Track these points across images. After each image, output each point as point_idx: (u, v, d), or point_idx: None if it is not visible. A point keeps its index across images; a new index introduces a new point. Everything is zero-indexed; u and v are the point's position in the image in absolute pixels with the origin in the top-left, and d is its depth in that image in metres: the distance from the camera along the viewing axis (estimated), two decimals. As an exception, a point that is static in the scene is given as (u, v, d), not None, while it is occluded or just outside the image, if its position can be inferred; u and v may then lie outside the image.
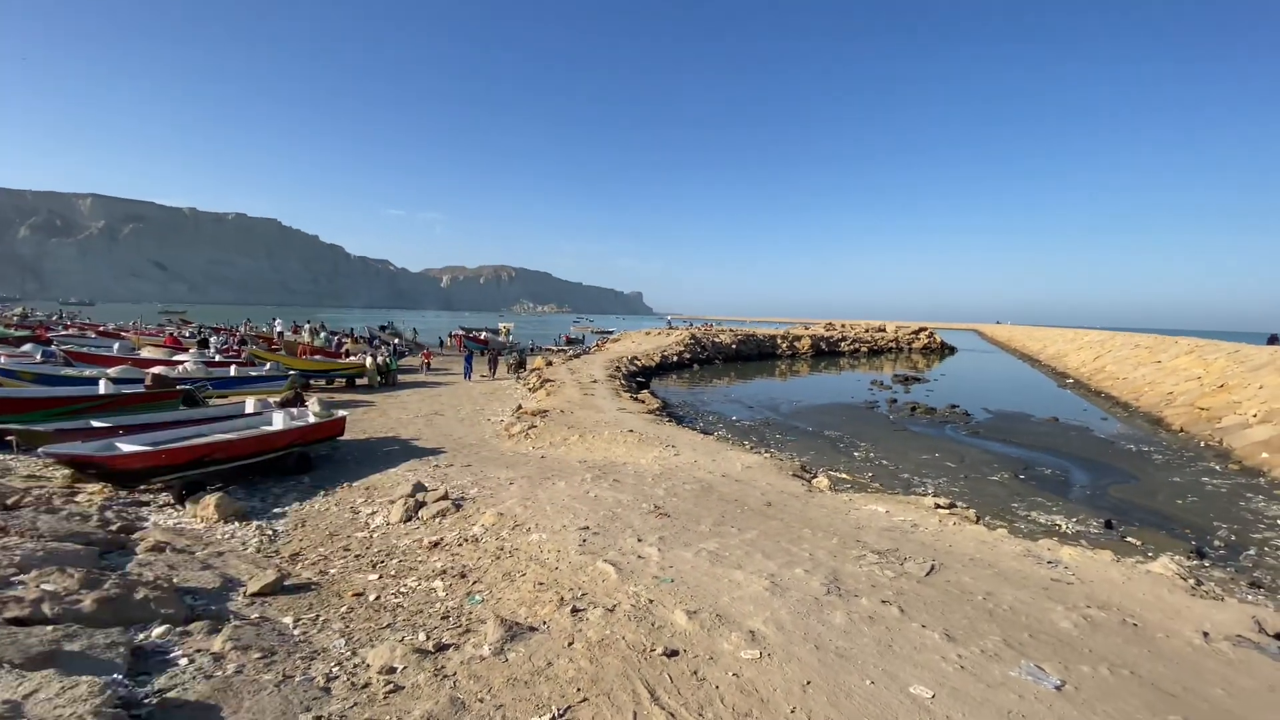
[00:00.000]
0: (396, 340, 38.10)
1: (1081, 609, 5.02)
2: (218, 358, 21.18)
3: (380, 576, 6.03)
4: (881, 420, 20.63)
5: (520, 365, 28.79)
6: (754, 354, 46.47)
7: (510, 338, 50.40)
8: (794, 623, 4.31)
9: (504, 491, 8.70)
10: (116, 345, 22.72)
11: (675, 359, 37.55)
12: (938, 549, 6.49)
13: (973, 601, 5.05)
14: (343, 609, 5.28)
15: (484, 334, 44.41)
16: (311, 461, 10.66)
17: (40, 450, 8.15)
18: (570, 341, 52.67)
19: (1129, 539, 9.95)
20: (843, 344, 55.04)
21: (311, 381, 21.40)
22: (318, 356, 23.65)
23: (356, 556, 6.71)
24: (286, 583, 5.87)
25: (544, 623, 4.21)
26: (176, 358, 19.63)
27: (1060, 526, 10.39)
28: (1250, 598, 7.39)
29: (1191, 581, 6.19)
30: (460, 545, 6.68)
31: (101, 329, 35.54)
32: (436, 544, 6.87)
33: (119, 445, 8.95)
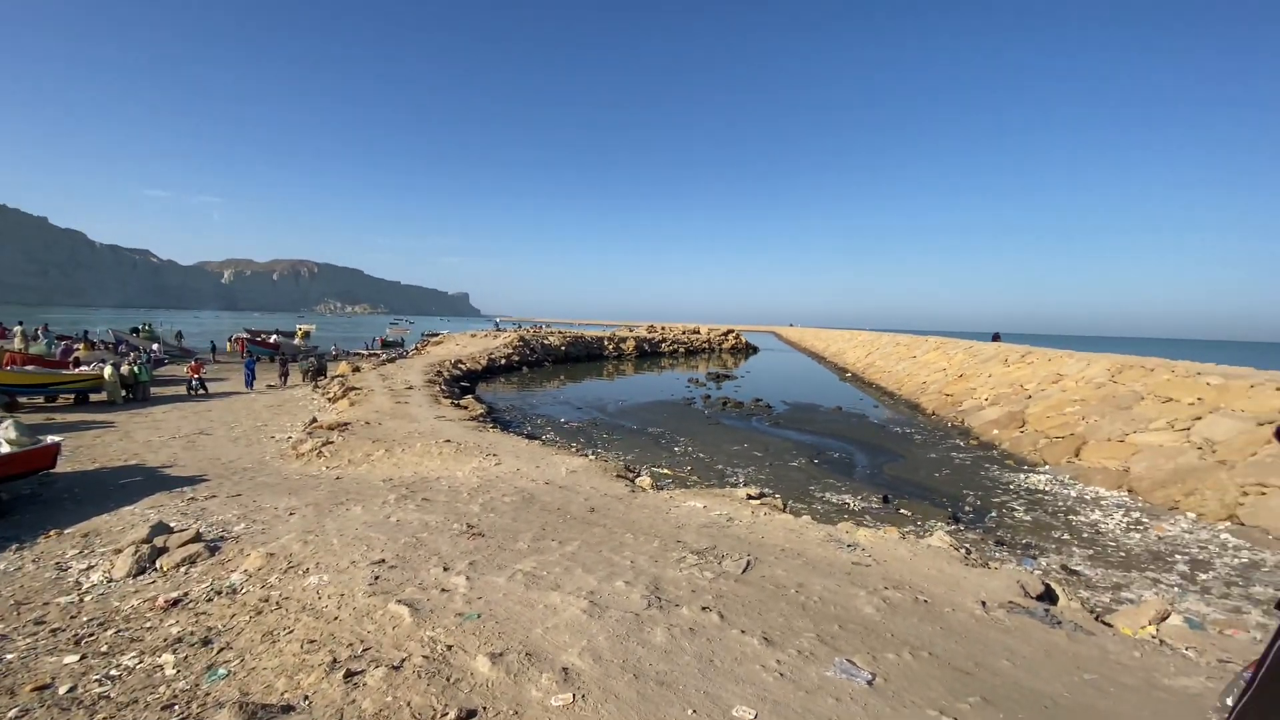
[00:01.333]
0: (155, 346, 31.54)
1: (881, 591, 5.36)
2: None
3: (84, 657, 4.54)
4: (698, 415, 21.71)
5: (318, 372, 25.52)
6: (583, 355, 46.70)
7: (308, 341, 44.77)
8: (612, 649, 3.95)
9: (281, 525, 7.30)
10: None
11: (503, 361, 36.19)
12: (752, 542, 6.66)
13: (787, 596, 5.15)
14: (11, 714, 3.82)
15: (274, 337, 38.72)
16: (2, 504, 8.14)
17: None
18: (386, 345, 48.38)
19: (902, 511, 11.35)
20: (663, 345, 57.75)
21: (22, 399, 16.76)
22: (31, 367, 18.45)
23: (54, 631, 5.04)
24: (-74, 686, 4.16)
25: (305, 697, 3.34)
26: None
27: (849, 504, 11.54)
28: (998, 554, 8.78)
29: (963, 551, 7.08)
30: (209, 601, 5.34)
31: None
32: (175, 602, 5.43)
33: None
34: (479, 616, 4.30)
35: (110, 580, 6.08)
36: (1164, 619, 5.06)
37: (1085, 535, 10.02)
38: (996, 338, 38.50)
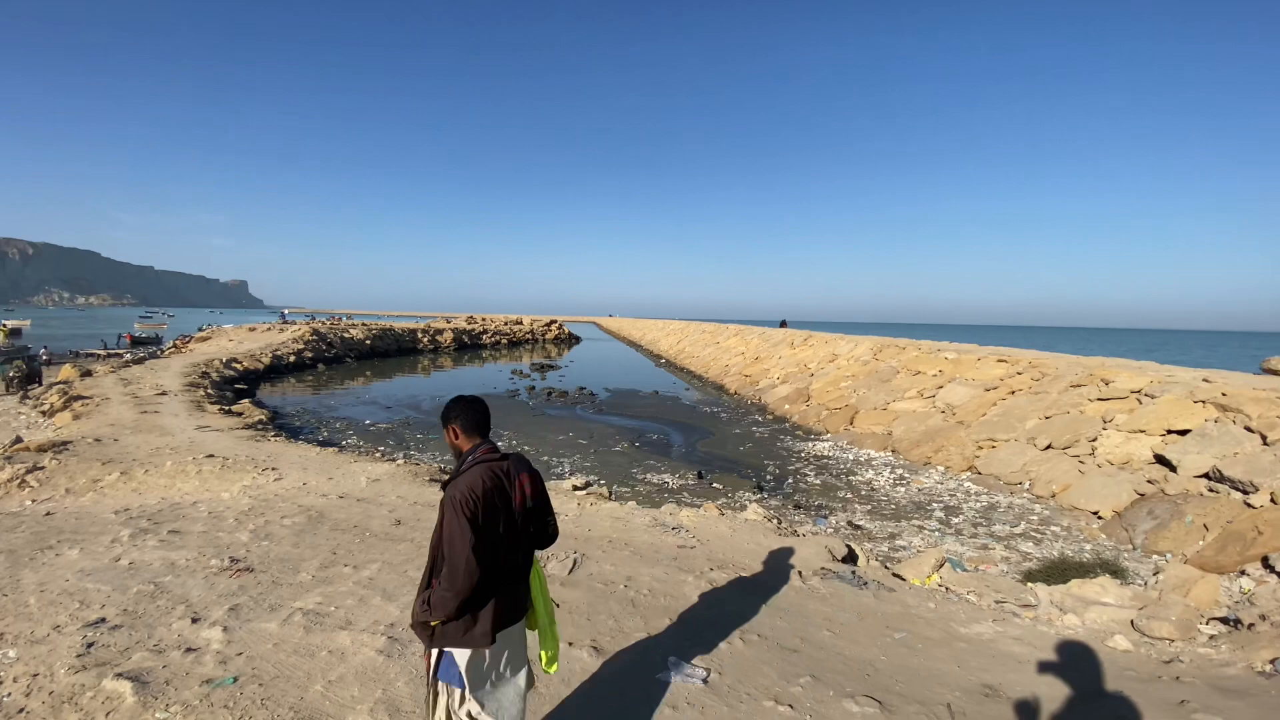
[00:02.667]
0: None
1: (707, 573, 5.37)
2: None
3: None
4: (523, 407, 21.17)
5: (29, 379, 20.09)
6: (393, 350, 42.91)
7: (18, 341, 35.27)
8: (416, 697, 3.34)
9: (-47, 585, 5.36)
10: None
11: (293, 359, 31.68)
12: (579, 537, 6.39)
13: (616, 593, 4.92)
14: None
15: (-40, 337, 29.73)
16: None
17: None
18: (138, 342, 39.91)
19: (715, 485, 12.05)
20: (484, 336, 55.60)
21: None
22: None
23: None
24: None
25: None
26: None
27: (669, 483, 11.96)
28: (797, 517, 9.62)
29: (775, 522, 7.53)
30: None
31: None
32: None
33: None
34: (236, 680, 3.40)
35: None
36: (941, 566, 5.85)
37: (864, 493, 11.45)
38: (784, 324, 43.27)
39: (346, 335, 40.87)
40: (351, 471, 9.59)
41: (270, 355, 30.14)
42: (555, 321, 72.04)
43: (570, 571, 5.28)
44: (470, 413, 2.53)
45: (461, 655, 2.25)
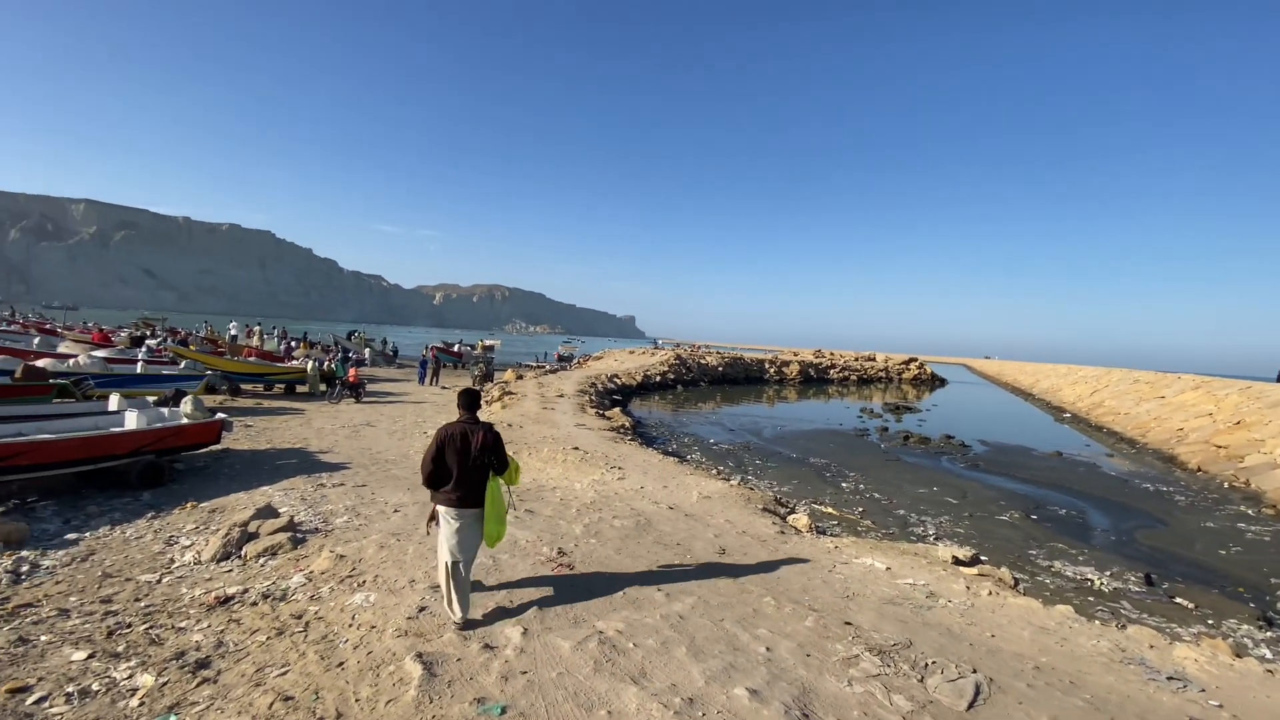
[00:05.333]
0: (368, 349, 35.79)
1: None
2: (140, 357, 18.93)
3: (90, 655, 3.83)
4: (872, 449, 18.61)
5: (486, 378, 26.93)
6: (741, 378, 44.52)
7: (489, 353, 48.43)
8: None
9: (379, 523, 6.55)
10: (36, 339, 20.48)
11: (659, 379, 35.47)
12: (975, 643, 4.24)
13: None
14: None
15: (457, 347, 42.41)
16: (164, 472, 8.47)
17: None
18: (563, 359, 51.15)
19: (1178, 599, 7.98)
20: (832, 371, 53.24)
21: (243, 385, 19.18)
22: (253, 359, 21.28)
23: (106, 615, 4.53)
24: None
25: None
26: (61, 350, 17.48)
27: (1093, 582, 8.36)
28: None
29: None
30: (255, 605, 4.50)
31: (46, 326, 32.90)
32: (226, 600, 4.68)
33: None
34: (502, 713, 2.74)
35: (198, 562, 5.66)
36: None
37: None
38: (1288, 378, 29.19)
39: (703, 362, 44.06)
40: (685, 484, 9.18)
41: (642, 375, 34.24)
42: (915, 359, 64.71)
43: (970, 705, 3.19)
44: (464, 399, 4.49)
45: (442, 510, 4.21)
